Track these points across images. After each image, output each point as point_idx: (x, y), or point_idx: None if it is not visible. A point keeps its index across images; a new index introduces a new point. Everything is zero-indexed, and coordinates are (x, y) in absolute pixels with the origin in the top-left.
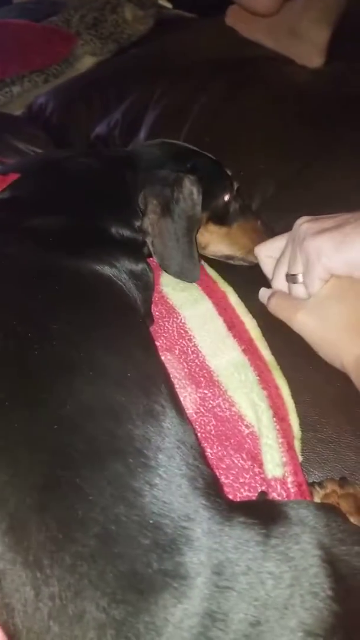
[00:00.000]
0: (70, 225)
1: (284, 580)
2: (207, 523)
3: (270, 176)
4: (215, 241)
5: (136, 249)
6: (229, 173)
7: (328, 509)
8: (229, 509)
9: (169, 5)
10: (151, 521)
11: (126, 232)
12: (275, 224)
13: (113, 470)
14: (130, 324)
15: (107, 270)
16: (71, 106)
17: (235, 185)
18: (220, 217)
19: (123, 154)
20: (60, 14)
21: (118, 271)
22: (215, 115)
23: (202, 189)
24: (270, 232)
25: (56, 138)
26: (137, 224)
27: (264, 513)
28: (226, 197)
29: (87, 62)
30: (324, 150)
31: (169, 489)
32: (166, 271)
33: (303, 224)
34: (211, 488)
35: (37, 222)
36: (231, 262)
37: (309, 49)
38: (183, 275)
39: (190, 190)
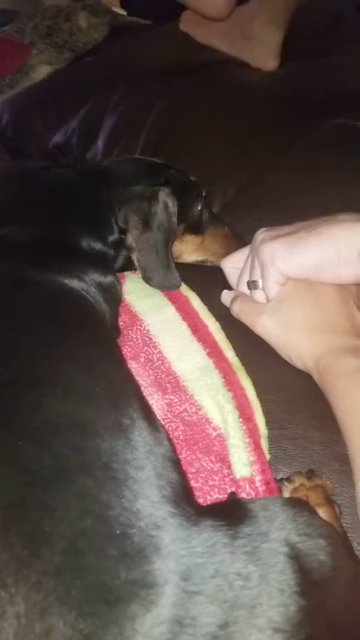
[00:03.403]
0: (40, 237)
1: (251, 580)
2: (175, 530)
3: (230, 179)
4: (190, 250)
5: (106, 263)
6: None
7: (295, 504)
8: (197, 514)
9: (123, 13)
10: (118, 532)
11: (98, 246)
12: (236, 224)
13: (80, 484)
14: (97, 337)
15: (75, 283)
16: (27, 117)
17: (204, 193)
18: (195, 227)
19: (99, 168)
20: (13, 23)
21: (87, 284)
22: (172, 121)
23: (177, 201)
24: (237, 237)
25: (12, 149)
26: (111, 238)
27: (231, 513)
28: (199, 207)
29: (42, 71)
30: (281, 151)
31: (137, 500)
32: (149, 283)
33: (261, 233)
34: (179, 495)
35: (5, 232)
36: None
37: (262, 51)
38: (165, 286)
39: (166, 203)
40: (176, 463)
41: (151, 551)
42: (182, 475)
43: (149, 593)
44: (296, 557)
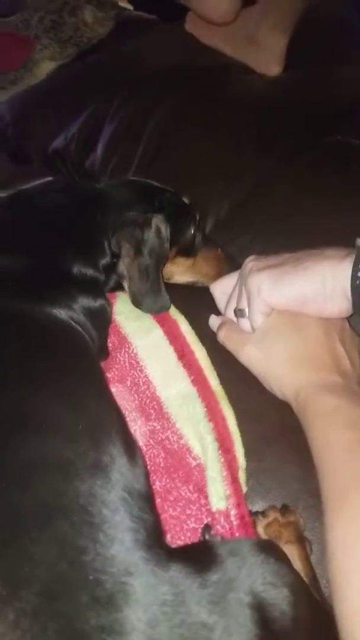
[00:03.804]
0: (32, 267)
1: (215, 632)
2: (146, 576)
3: (224, 196)
4: (181, 272)
5: (97, 287)
6: (189, 203)
7: (264, 548)
8: (168, 558)
9: (129, 7)
10: (91, 577)
11: (89, 272)
12: (228, 244)
13: (58, 529)
14: (84, 370)
15: (64, 314)
16: (27, 119)
17: (197, 216)
18: (187, 250)
19: (94, 193)
20: (19, 13)
21: (75, 312)
22: (171, 132)
23: (170, 227)
24: (228, 259)
25: (13, 152)
26: (103, 262)
27: (200, 557)
28: (192, 230)
29: (46, 67)
30: (277, 170)
31: (112, 545)
32: (138, 308)
33: (250, 262)
34: (152, 538)
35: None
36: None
37: (266, 56)
38: (155, 310)
39: (159, 230)
40: (151, 500)
41: (121, 598)
42: (155, 514)
43: (115, 639)
44: (259, 607)
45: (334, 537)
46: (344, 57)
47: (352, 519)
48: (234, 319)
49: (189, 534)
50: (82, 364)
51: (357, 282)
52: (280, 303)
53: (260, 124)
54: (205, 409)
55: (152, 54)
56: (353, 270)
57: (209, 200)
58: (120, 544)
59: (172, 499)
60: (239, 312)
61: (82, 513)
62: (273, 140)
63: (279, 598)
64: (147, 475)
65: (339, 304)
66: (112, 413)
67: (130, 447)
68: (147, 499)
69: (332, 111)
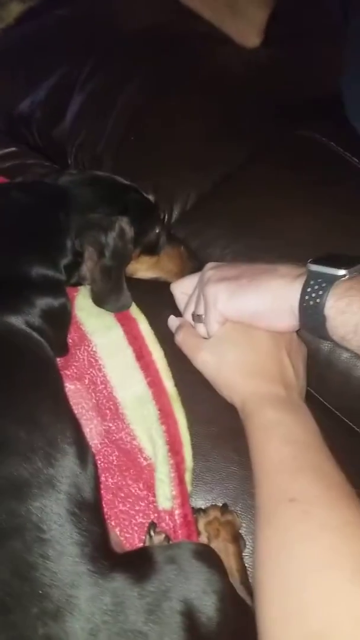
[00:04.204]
0: None
1: (149, 637)
2: (90, 589)
3: (192, 186)
4: (144, 269)
5: (57, 287)
6: (154, 202)
7: (200, 556)
8: (111, 569)
9: None
10: (40, 592)
11: (50, 272)
12: (192, 238)
13: (12, 547)
14: (40, 387)
15: (20, 321)
16: None
17: (162, 216)
18: (151, 249)
19: (57, 191)
20: None
21: (33, 317)
22: (142, 109)
23: (135, 228)
24: (192, 256)
25: None
26: (64, 262)
27: (141, 567)
28: (157, 230)
29: (14, 10)
30: (245, 162)
31: (59, 559)
32: (101, 307)
33: (209, 270)
34: (98, 550)
35: None
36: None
37: (246, 26)
38: (116, 308)
39: (123, 232)
40: (99, 511)
41: (66, 609)
42: (103, 524)
43: None
44: (189, 613)
45: (258, 547)
46: (323, 38)
47: (274, 533)
48: (192, 321)
49: (136, 528)
50: (38, 380)
51: (304, 303)
52: (234, 315)
53: (233, 111)
54: (159, 412)
55: (126, 10)
56: (302, 292)
57: (176, 188)
58: (68, 558)
59: (122, 495)
60: (196, 318)
61: (34, 530)
62: (245, 130)
63: (208, 604)
64: (97, 478)
65: (287, 321)
66: (67, 426)
67: (82, 453)
68: (96, 509)
69: (306, 102)
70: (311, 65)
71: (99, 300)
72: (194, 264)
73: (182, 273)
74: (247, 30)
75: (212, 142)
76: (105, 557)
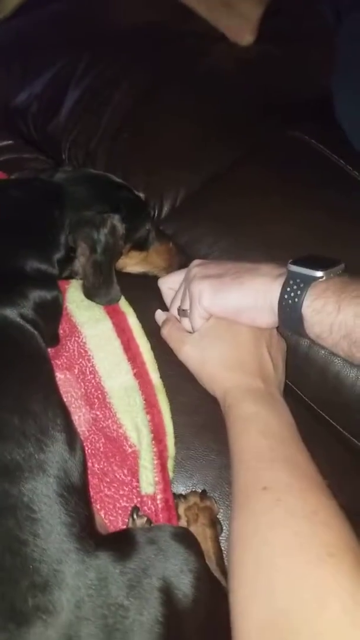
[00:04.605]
0: None
1: (129, 611)
2: (76, 565)
3: (182, 184)
4: (133, 263)
5: (49, 280)
6: (145, 200)
7: (178, 538)
8: (96, 548)
9: None
10: (31, 567)
11: (43, 266)
12: (180, 235)
13: (5, 525)
14: (33, 374)
15: (15, 314)
16: None
17: (152, 213)
18: (141, 245)
19: (53, 188)
20: None
21: (27, 309)
22: (135, 107)
23: (126, 225)
24: (180, 251)
25: None
26: (57, 256)
27: (124, 546)
28: (147, 227)
29: (12, 2)
30: (235, 161)
31: (48, 537)
32: (91, 300)
33: (194, 267)
34: (85, 530)
35: None
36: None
37: (240, 24)
38: (106, 301)
39: (114, 229)
40: (86, 494)
41: (54, 583)
42: (89, 507)
43: (48, 617)
44: (167, 590)
45: (233, 531)
46: (315, 38)
47: (247, 519)
48: (178, 315)
49: (120, 512)
50: (31, 371)
51: (283, 302)
52: (218, 312)
53: (226, 110)
54: (145, 402)
55: (122, 4)
56: (281, 291)
57: (166, 186)
58: (57, 536)
59: (108, 480)
60: (181, 312)
61: (25, 510)
62: (236, 130)
63: (184, 582)
64: (84, 464)
65: (267, 318)
66: (57, 414)
67: (71, 440)
68: (83, 492)
69: (296, 102)
70: (303, 64)
71: (90, 293)
72: (181, 258)
73: (170, 268)
74: (241, 27)
75: (202, 141)
76: (91, 537)
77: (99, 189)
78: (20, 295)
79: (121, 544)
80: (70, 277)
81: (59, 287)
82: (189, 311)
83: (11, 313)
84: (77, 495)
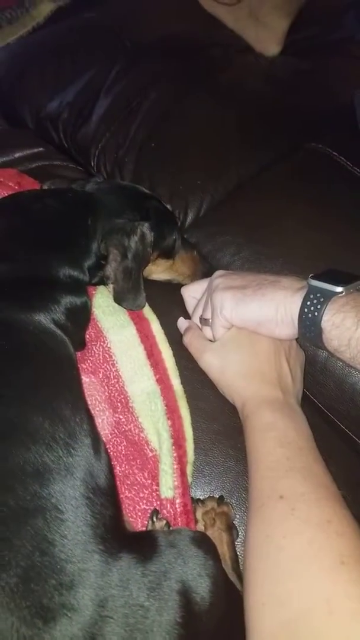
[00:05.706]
0: (17, 272)
1: (150, 612)
2: (100, 566)
3: (206, 193)
4: (160, 271)
5: (80, 286)
6: (172, 211)
7: (198, 541)
8: (119, 549)
9: None
10: (58, 566)
11: (75, 273)
12: (204, 243)
13: (35, 525)
14: (63, 380)
15: (48, 319)
16: (23, 74)
17: (179, 223)
18: (167, 253)
19: (86, 198)
20: None
21: (58, 314)
22: (162, 118)
23: (155, 233)
24: (204, 260)
25: (5, 109)
26: (88, 263)
27: (145, 548)
28: (174, 236)
29: (44, 9)
30: (258, 172)
31: (75, 539)
32: (120, 305)
33: (217, 278)
34: (110, 531)
35: None
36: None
37: (266, 35)
38: (136, 307)
39: (144, 237)
40: (113, 494)
41: (79, 581)
42: (116, 505)
43: (73, 614)
44: (185, 593)
45: (249, 538)
46: (341, 50)
47: (263, 527)
48: (199, 324)
49: (140, 514)
50: (61, 376)
51: (303, 315)
52: (239, 322)
53: (250, 120)
54: (166, 408)
55: (154, 16)
56: (302, 305)
57: (191, 195)
58: (83, 536)
59: (128, 482)
60: (203, 321)
61: (54, 511)
62: (259, 141)
63: (202, 586)
64: (110, 465)
65: (287, 330)
66: (84, 419)
67: (96, 444)
68: (109, 494)
69: (319, 113)
70: (326, 76)
71: (119, 298)
72: (205, 266)
73: (194, 276)
74: (267, 38)
75: (226, 151)
76: (115, 539)
77: (129, 199)
78: (54, 301)
79: (143, 546)
80: (100, 283)
81: (88, 293)
82: (210, 320)
83: (45, 319)
84: (103, 497)
